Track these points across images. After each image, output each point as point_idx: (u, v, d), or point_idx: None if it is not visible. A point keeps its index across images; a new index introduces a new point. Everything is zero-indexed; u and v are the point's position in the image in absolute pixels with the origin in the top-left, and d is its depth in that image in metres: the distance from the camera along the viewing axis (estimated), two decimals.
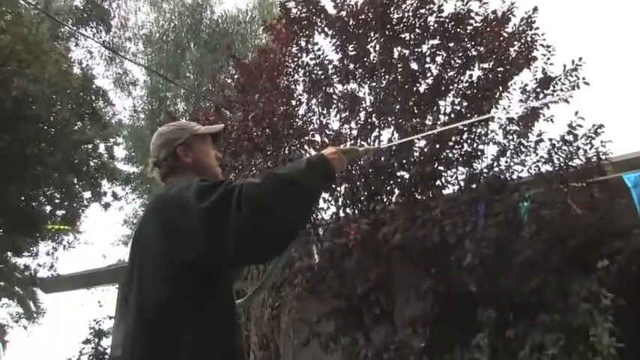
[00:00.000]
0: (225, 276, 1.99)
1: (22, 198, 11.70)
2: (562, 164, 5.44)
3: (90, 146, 12.51)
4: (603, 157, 5.28)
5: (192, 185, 1.84)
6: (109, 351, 9.47)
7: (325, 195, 6.08)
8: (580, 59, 5.48)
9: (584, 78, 5.50)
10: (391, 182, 5.86)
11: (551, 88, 5.65)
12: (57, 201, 12.66)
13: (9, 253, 13.14)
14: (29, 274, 12.84)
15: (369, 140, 6.16)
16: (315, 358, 6.07)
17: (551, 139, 5.48)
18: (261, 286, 2.44)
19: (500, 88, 5.88)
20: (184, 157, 2.18)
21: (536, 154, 5.59)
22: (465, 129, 5.80)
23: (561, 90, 5.56)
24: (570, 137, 5.36)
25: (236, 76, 7.56)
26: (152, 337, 1.84)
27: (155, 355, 1.82)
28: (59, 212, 12.94)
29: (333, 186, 5.95)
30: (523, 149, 5.64)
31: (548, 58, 5.67)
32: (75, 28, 17.28)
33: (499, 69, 5.91)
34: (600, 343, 4.10)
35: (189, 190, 1.82)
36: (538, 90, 5.69)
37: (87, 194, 13.01)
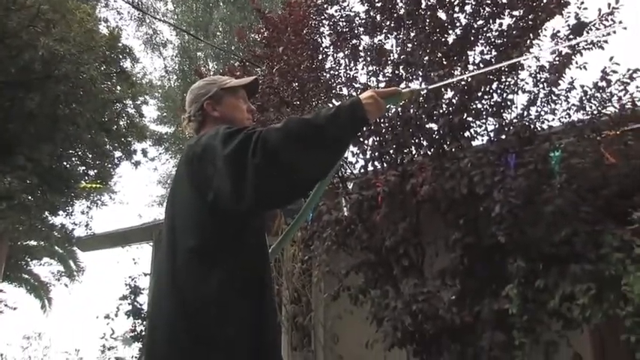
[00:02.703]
0: (254, 223, 2.01)
1: (55, 158, 11.91)
2: (594, 112, 5.30)
3: (119, 105, 12.62)
4: (639, 103, 5.12)
5: (218, 132, 1.86)
6: (145, 307, 9.70)
7: (354, 148, 6.05)
8: (617, 1, 5.22)
9: (620, 22, 5.25)
10: (419, 134, 5.79)
11: (585, 33, 5.44)
12: (89, 160, 12.88)
13: (46, 213, 13.46)
14: (65, 233, 13.16)
15: None
16: (345, 311, 6.15)
17: (582, 86, 5.33)
18: (286, 234, 2.44)
19: (531, 36, 5.70)
20: (212, 112, 2.21)
21: (568, 102, 5.45)
22: (495, 78, 5.66)
23: (595, 36, 5.36)
24: (603, 83, 5.21)
25: (262, 30, 7.49)
26: (179, 281, 1.87)
27: (180, 298, 1.85)
28: (92, 172, 13.17)
29: (361, 139, 5.92)
30: (554, 97, 5.50)
31: (582, 2, 5.45)
32: None
33: (530, 16, 5.73)
34: (632, 292, 4.05)
35: (217, 137, 1.84)
36: (570, 37, 5.50)
37: (118, 153, 13.21)
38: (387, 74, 6.15)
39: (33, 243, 17.48)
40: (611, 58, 5.17)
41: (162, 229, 2.07)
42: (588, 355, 5.55)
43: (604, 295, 4.28)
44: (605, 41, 5.30)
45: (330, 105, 6.36)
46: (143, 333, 9.26)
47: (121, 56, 12.48)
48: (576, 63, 5.44)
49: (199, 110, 2.22)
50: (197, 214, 1.90)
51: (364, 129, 5.57)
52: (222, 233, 1.89)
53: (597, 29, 5.35)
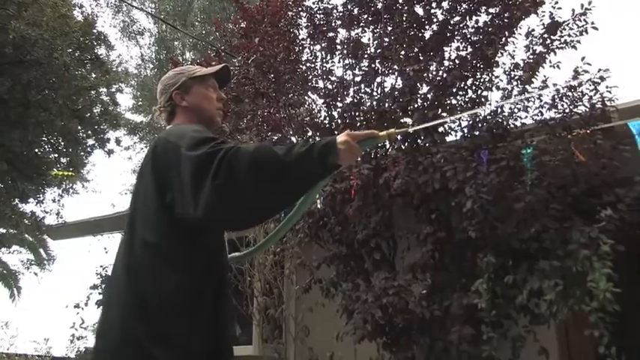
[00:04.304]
0: None
1: (26, 144, 11.70)
2: (566, 110, 5.37)
3: (93, 92, 12.42)
4: (608, 103, 5.19)
5: (186, 135, 1.87)
6: None
7: None
8: (590, 2, 5.30)
9: (592, 23, 5.34)
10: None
11: (559, 33, 5.51)
12: (61, 148, 12.67)
13: (16, 200, 13.22)
14: (35, 220, 12.94)
15: (372, 87, 6.08)
16: (317, 304, 6.15)
17: (555, 85, 5.40)
18: (259, 246, 2.45)
19: (506, 33, 5.75)
20: (180, 102, 2.23)
21: (540, 101, 5.51)
22: (470, 75, 5.71)
23: (569, 35, 5.43)
24: (575, 83, 5.28)
25: (239, 21, 7.45)
26: (134, 274, 1.88)
27: (136, 292, 1.85)
28: (64, 159, 12.96)
29: (336, 132, 5.91)
30: (527, 95, 5.56)
31: (557, 2, 5.52)
32: None
33: (506, 14, 5.77)
34: (597, 288, 4.12)
35: (183, 140, 1.85)
36: (545, 35, 5.56)
37: (91, 141, 13.01)
38: (363, 68, 6.16)
39: (2, 230, 17.19)
40: (583, 58, 5.24)
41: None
42: (554, 350, 5.63)
43: (570, 291, 4.35)
44: (578, 41, 5.37)
45: (305, 99, 6.36)
46: None
47: (95, 43, 12.24)
48: (550, 62, 5.51)
49: (168, 101, 2.24)
50: (156, 212, 1.91)
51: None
52: (179, 233, 1.88)
53: (571, 29, 5.42)
